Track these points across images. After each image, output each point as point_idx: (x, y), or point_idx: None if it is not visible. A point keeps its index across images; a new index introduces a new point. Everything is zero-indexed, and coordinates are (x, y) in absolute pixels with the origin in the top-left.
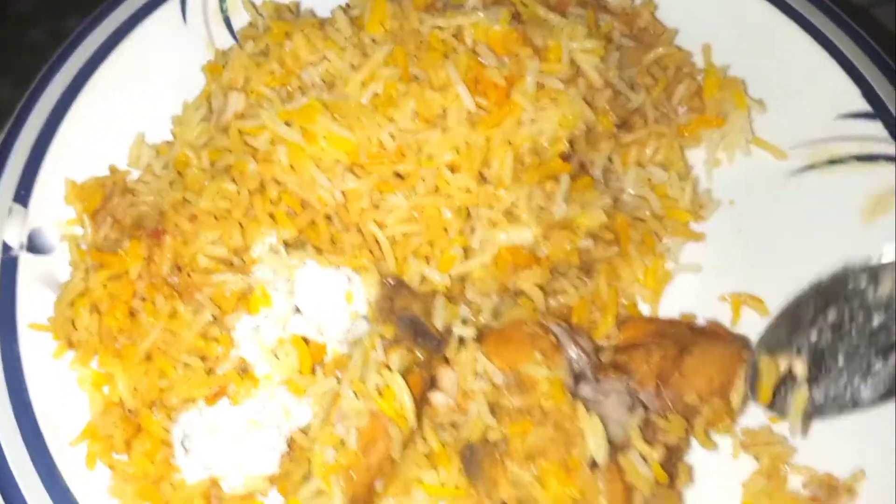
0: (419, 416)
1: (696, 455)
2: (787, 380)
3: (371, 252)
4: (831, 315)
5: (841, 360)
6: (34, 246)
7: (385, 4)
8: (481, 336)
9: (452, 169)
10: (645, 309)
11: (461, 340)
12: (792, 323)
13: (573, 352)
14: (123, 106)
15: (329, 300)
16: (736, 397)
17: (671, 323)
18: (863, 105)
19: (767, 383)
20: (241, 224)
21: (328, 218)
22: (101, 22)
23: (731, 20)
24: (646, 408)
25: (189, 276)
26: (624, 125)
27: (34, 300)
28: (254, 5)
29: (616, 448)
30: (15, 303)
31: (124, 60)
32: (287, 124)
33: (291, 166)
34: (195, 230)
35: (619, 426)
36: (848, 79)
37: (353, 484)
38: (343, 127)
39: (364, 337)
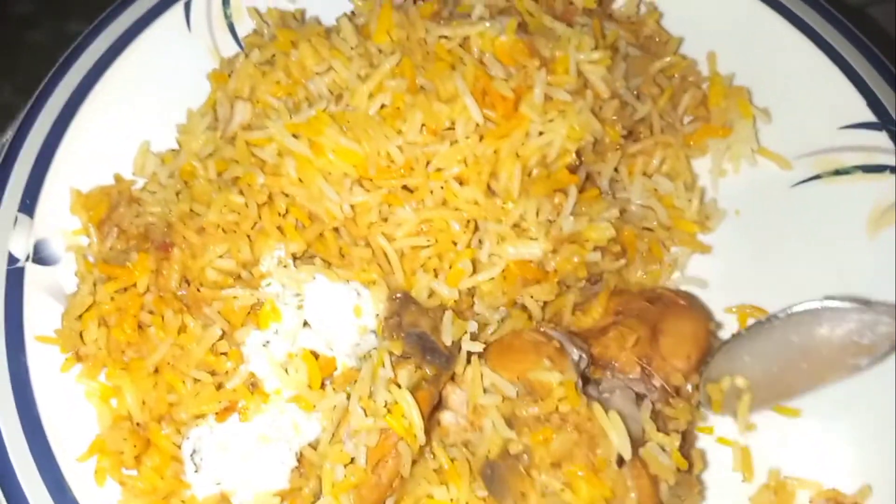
0: (428, 433)
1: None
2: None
3: (380, 266)
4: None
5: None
6: (40, 257)
7: (391, 13)
8: (481, 351)
9: (461, 182)
10: None
11: (469, 356)
12: (726, 356)
13: (575, 353)
14: (128, 114)
15: (338, 314)
16: None
17: (629, 297)
18: (868, 115)
19: (717, 400)
20: (249, 237)
21: (336, 231)
22: (105, 29)
23: (736, 28)
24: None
25: (198, 289)
26: (630, 135)
27: (41, 311)
28: (258, 13)
29: (635, 443)
30: (22, 314)
31: (128, 68)
32: (295, 136)
33: (300, 179)
34: (203, 243)
35: (632, 421)
36: (853, 89)
37: (363, 502)
38: (351, 139)
39: (373, 352)
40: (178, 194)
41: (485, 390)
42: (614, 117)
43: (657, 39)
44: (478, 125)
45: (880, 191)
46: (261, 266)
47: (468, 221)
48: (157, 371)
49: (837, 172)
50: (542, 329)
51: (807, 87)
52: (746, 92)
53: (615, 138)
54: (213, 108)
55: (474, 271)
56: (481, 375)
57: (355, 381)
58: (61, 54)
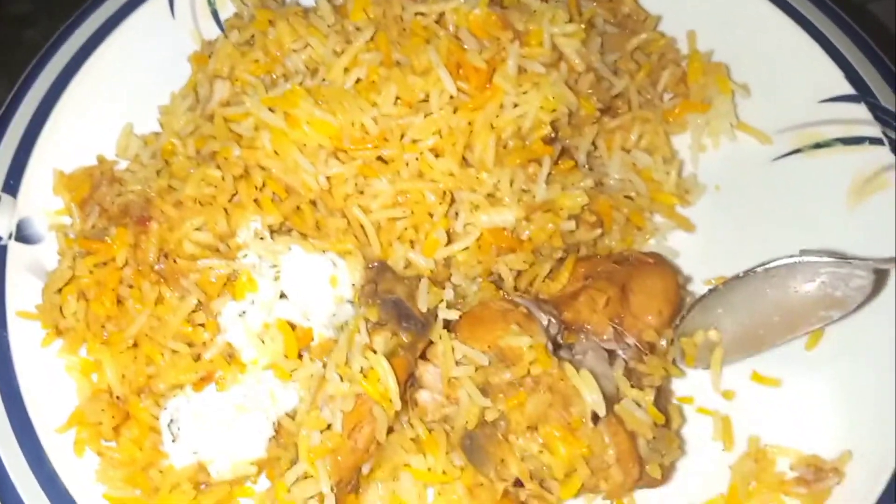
0: (404, 401)
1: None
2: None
3: (356, 237)
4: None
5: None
6: (23, 235)
7: None
8: (449, 325)
9: (435, 153)
10: None
11: (445, 324)
12: (701, 311)
13: (544, 318)
14: (111, 97)
15: (314, 285)
16: None
17: (597, 261)
18: (847, 88)
19: (691, 354)
20: (226, 210)
21: (313, 203)
22: (90, 15)
23: (714, 6)
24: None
25: (175, 262)
26: (608, 111)
27: (22, 289)
28: None
29: (609, 400)
30: (4, 292)
31: (113, 53)
32: (271, 110)
33: (275, 152)
34: (181, 216)
35: (606, 380)
36: (831, 62)
37: (339, 467)
38: (326, 112)
39: (350, 321)
40: (158, 172)
41: (457, 363)
42: (590, 90)
43: (635, 17)
44: (452, 97)
45: (860, 162)
46: (237, 238)
47: (444, 193)
48: (135, 344)
49: (817, 146)
50: (508, 297)
51: (785, 62)
52: (725, 68)
53: (591, 111)
54: (194, 90)
55: (450, 241)
56: (452, 349)
57: (332, 351)
58: None
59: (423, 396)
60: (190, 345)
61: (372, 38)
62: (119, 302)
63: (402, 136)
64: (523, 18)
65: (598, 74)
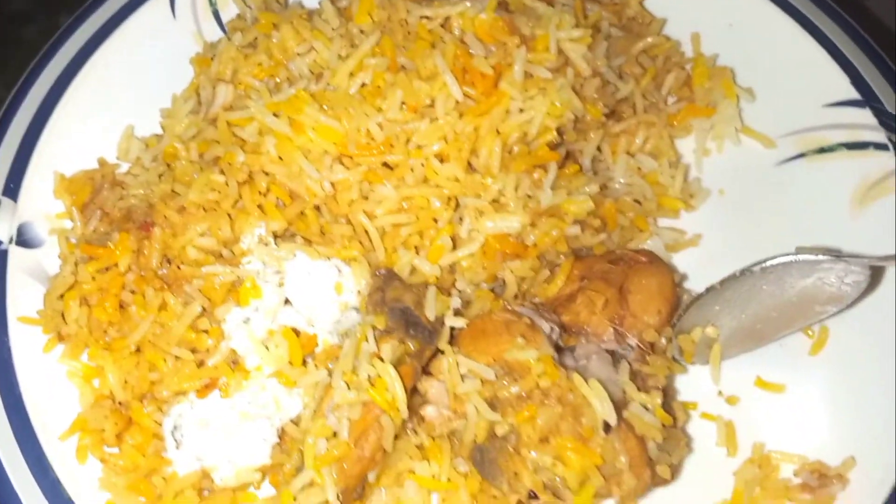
0: (410, 408)
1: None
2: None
3: (361, 243)
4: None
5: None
6: (23, 239)
7: None
8: (452, 337)
9: (441, 158)
10: None
11: (451, 334)
12: (698, 309)
13: (546, 326)
14: (112, 99)
15: (319, 291)
16: None
17: (592, 261)
18: (851, 93)
19: (689, 351)
20: (229, 216)
21: (317, 209)
22: (91, 15)
23: (720, 9)
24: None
25: (178, 268)
26: (613, 115)
27: (23, 294)
28: None
29: (617, 405)
30: (5, 297)
31: (113, 54)
32: (275, 115)
33: (280, 157)
34: (184, 222)
35: (612, 385)
36: (836, 67)
37: (345, 475)
38: (331, 117)
39: (355, 328)
40: (160, 176)
41: (462, 377)
42: (595, 95)
43: (640, 21)
44: (458, 102)
45: (864, 168)
46: (241, 244)
47: (449, 198)
48: (138, 350)
49: (822, 150)
50: (510, 307)
51: (790, 67)
52: (730, 72)
53: (597, 116)
54: (196, 92)
55: (455, 247)
56: (457, 364)
57: (337, 358)
58: None
59: (429, 412)
60: (193, 351)
61: (377, 43)
62: (121, 307)
63: (408, 142)
64: (529, 23)
65: (604, 79)
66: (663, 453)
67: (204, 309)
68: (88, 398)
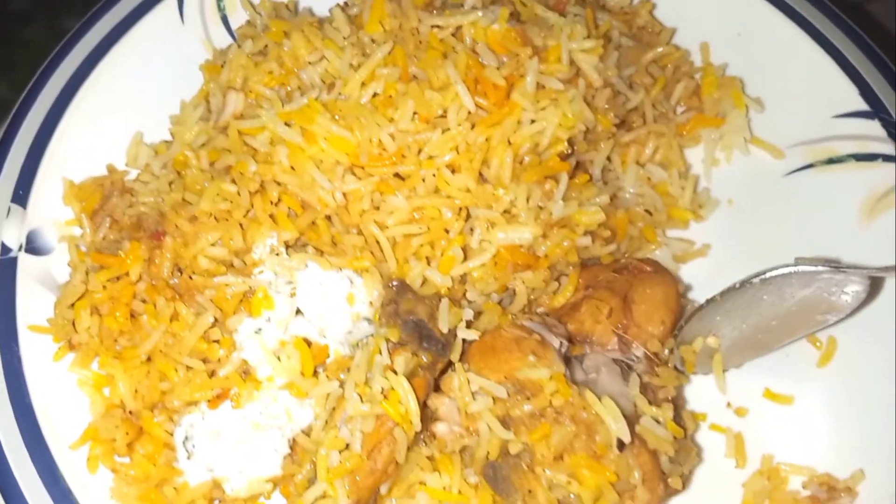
0: (422, 420)
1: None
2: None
3: (372, 253)
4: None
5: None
6: (33, 247)
7: (384, 3)
8: (462, 354)
9: (452, 169)
10: None
11: (461, 349)
12: (699, 320)
13: (556, 341)
14: (121, 105)
15: (331, 302)
16: None
17: (597, 270)
18: (860, 104)
19: (690, 361)
20: (241, 225)
21: (329, 219)
22: (99, 21)
23: (729, 19)
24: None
25: (190, 277)
26: (623, 124)
27: (33, 301)
28: (252, 4)
29: (629, 420)
30: (14, 304)
31: (121, 60)
32: (287, 125)
33: (292, 167)
34: (196, 231)
35: (624, 399)
36: (846, 78)
37: (357, 487)
38: (343, 127)
39: (368, 339)
40: (170, 184)
41: (473, 395)
42: (606, 106)
43: (650, 30)
44: (470, 113)
45: (873, 179)
46: (253, 254)
47: (460, 209)
48: (149, 359)
49: (830, 161)
50: (519, 322)
51: (800, 77)
52: (739, 82)
53: (607, 126)
54: (205, 99)
55: (466, 258)
56: (468, 381)
57: (348, 369)
58: None
59: (440, 429)
60: (205, 361)
61: (389, 52)
62: (132, 317)
63: (419, 152)
64: (541, 33)
65: (615, 89)
66: (675, 465)
67: (215, 319)
68: (99, 407)
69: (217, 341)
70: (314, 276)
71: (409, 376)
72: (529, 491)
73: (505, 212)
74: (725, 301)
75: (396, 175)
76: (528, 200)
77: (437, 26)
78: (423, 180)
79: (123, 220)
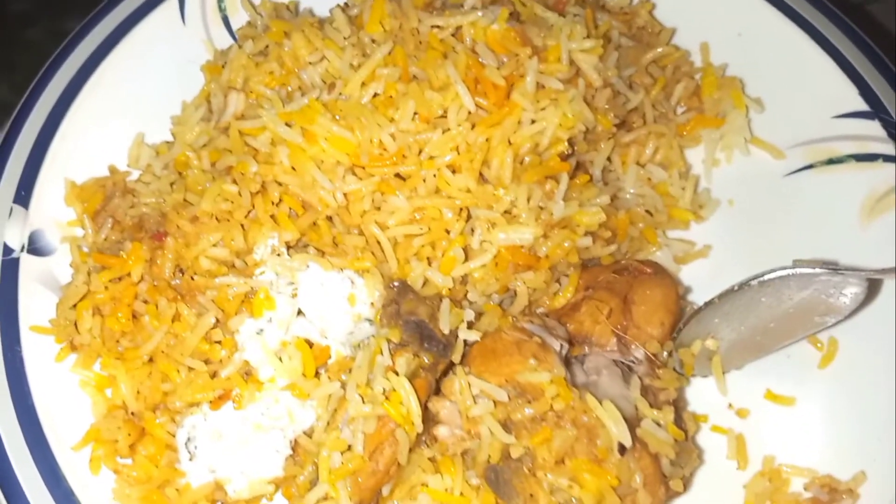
0: (424, 421)
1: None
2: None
3: (373, 254)
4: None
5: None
6: (35, 248)
7: (384, 4)
8: (463, 357)
9: (453, 169)
10: None
11: (463, 353)
12: (698, 323)
13: (556, 344)
14: (122, 106)
15: (332, 302)
16: None
17: (597, 270)
18: (860, 105)
19: (689, 364)
20: (242, 226)
21: (330, 219)
22: (100, 22)
23: (729, 19)
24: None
25: (192, 278)
26: (623, 125)
27: (36, 302)
28: (252, 4)
29: (630, 423)
30: (17, 305)
31: (123, 60)
32: (288, 125)
33: (293, 167)
34: (197, 232)
35: (624, 401)
36: (846, 78)
37: (359, 489)
38: (343, 128)
39: (369, 340)
40: (172, 185)
41: (474, 398)
42: (606, 106)
43: (650, 30)
44: (470, 113)
45: (873, 179)
46: (254, 254)
47: (461, 209)
48: (151, 360)
49: (830, 162)
50: (519, 325)
51: (799, 77)
52: (739, 82)
53: (607, 127)
54: (206, 100)
55: (467, 258)
56: (469, 385)
57: (350, 370)
58: None
59: (442, 432)
60: (207, 362)
61: (389, 53)
62: (134, 317)
63: (420, 153)
64: (541, 34)
65: (615, 89)
66: (676, 467)
67: (217, 320)
68: (101, 408)
69: (219, 342)
70: (315, 277)
71: (411, 377)
72: (531, 495)
73: (505, 212)
74: (724, 303)
75: (397, 175)
76: (528, 201)
77: (437, 26)
78: (424, 180)
79: (125, 221)
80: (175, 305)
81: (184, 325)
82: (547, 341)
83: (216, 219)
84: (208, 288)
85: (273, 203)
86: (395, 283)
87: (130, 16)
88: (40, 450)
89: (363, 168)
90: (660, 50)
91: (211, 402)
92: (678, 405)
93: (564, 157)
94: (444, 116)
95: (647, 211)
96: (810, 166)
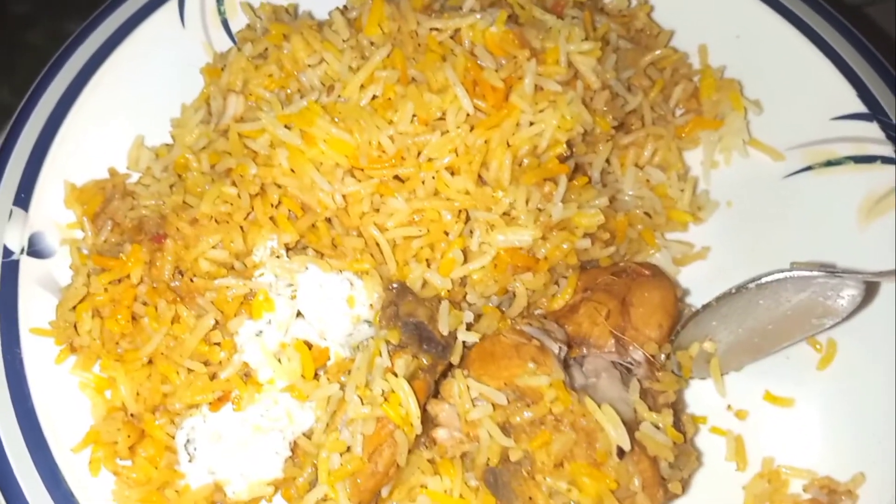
0: (423, 422)
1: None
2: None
3: (372, 256)
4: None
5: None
6: (35, 250)
7: (383, 6)
8: (462, 360)
9: (452, 171)
10: None
11: (461, 354)
12: (696, 325)
13: (555, 347)
14: (122, 109)
15: (331, 304)
16: None
17: (595, 272)
18: (859, 106)
19: (687, 366)
20: (242, 228)
21: (329, 221)
22: (100, 24)
23: (727, 21)
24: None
25: (191, 280)
26: (621, 127)
27: (35, 304)
28: (251, 7)
29: (629, 426)
30: (16, 307)
31: (122, 63)
32: (287, 127)
33: (292, 169)
34: (196, 234)
35: (623, 404)
36: (844, 80)
37: (358, 490)
38: (343, 130)
39: (368, 342)
40: (171, 187)
41: (473, 401)
42: (605, 108)
43: (648, 32)
44: (468, 115)
45: (872, 181)
46: (254, 256)
47: (459, 211)
48: (150, 362)
49: (829, 163)
50: (518, 328)
51: (798, 79)
52: (738, 84)
53: (606, 129)
54: (206, 102)
55: (466, 260)
56: (468, 388)
57: (349, 371)
58: None
59: (441, 435)
60: (206, 364)
61: (388, 55)
62: (134, 319)
63: (419, 155)
64: (539, 36)
65: (613, 91)
66: (675, 470)
67: (216, 321)
68: (101, 410)
69: (218, 344)
70: (314, 279)
71: (410, 379)
72: (530, 498)
73: (504, 214)
74: (721, 306)
75: (396, 177)
76: (527, 203)
77: (436, 29)
78: (423, 182)
79: (125, 223)
80: (174, 307)
81: (183, 326)
82: (546, 344)
83: (215, 221)
84: (207, 290)
85: (272, 205)
86: (394, 285)
87: (130, 19)
88: (40, 451)
89: (362, 170)
90: (658, 52)
91: (210, 403)
92: (677, 407)
93: (563, 159)
94: (442, 119)
95: (646, 213)
96: (809, 168)
